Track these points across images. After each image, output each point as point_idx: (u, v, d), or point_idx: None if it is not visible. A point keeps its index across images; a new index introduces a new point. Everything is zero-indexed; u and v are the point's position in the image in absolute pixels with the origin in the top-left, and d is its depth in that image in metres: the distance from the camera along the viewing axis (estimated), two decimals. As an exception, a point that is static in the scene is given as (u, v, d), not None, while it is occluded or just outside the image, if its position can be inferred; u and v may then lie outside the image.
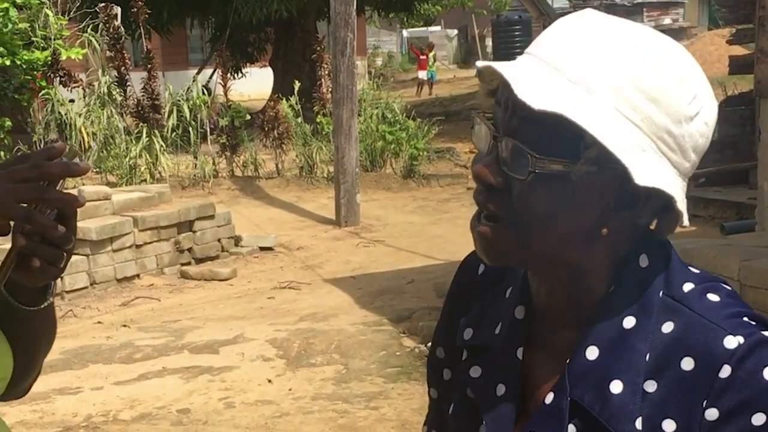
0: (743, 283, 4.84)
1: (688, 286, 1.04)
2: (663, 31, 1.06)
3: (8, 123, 12.08)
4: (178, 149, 12.71)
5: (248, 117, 13.76)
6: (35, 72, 12.62)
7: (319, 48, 14.57)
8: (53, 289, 1.31)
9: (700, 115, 1.02)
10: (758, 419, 0.98)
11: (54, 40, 12.87)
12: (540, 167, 0.99)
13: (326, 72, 13.69)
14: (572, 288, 1.07)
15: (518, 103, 0.97)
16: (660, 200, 1.01)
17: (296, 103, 13.18)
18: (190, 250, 9.01)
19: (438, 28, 39.58)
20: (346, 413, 4.92)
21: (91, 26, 13.08)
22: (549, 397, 1.05)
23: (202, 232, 9.14)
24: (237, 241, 9.55)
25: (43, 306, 1.29)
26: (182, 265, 8.88)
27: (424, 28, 38.60)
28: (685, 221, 1.02)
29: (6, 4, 12.06)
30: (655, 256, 1.06)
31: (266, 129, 13.16)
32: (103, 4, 13.21)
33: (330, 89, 12.42)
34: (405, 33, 42.03)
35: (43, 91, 12.51)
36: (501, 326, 1.13)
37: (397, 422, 4.80)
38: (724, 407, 0.98)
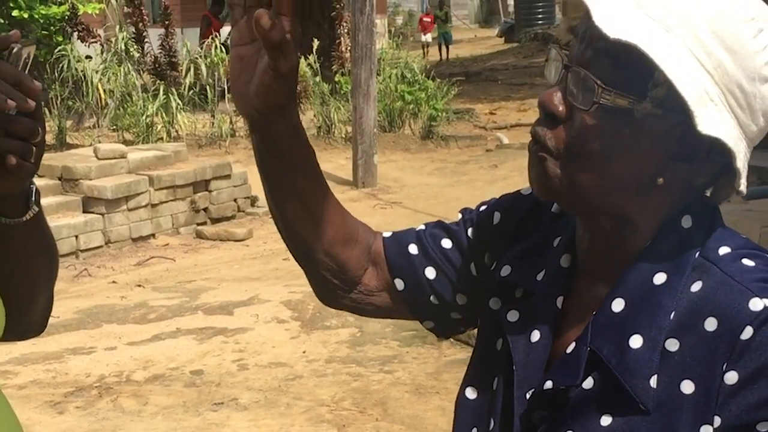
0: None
1: (724, 250, 1.01)
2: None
3: (25, 79, 12.03)
4: (195, 107, 12.64)
5: (266, 75, 13.65)
6: (52, 27, 12.55)
7: (338, 6, 14.41)
8: (36, 198, 1.27)
9: None
10: None
11: (71, -6, 12.79)
12: (605, 99, 0.98)
13: (345, 30, 13.58)
14: (613, 238, 1.05)
15: (594, 32, 0.96)
16: (719, 161, 0.99)
17: (315, 62, 13.04)
18: (205, 209, 8.97)
19: (459, -14, 39.07)
20: (360, 376, 4.89)
21: (108, -19, 12.98)
22: (571, 347, 1.04)
23: (218, 191, 9.09)
24: (253, 201, 9.50)
25: (27, 217, 1.25)
26: (198, 224, 8.84)
27: (446, -13, 38.09)
28: (742, 186, 1.00)
29: (23, -42, 11.99)
30: (699, 218, 1.04)
31: (284, 88, 13.08)
32: (120, -41, 13.14)
33: (349, 48, 12.31)
34: (426, -9, 41.59)
35: (59, 47, 12.44)
36: (545, 273, 1.12)
37: (411, 386, 4.76)
38: (744, 371, 0.94)
